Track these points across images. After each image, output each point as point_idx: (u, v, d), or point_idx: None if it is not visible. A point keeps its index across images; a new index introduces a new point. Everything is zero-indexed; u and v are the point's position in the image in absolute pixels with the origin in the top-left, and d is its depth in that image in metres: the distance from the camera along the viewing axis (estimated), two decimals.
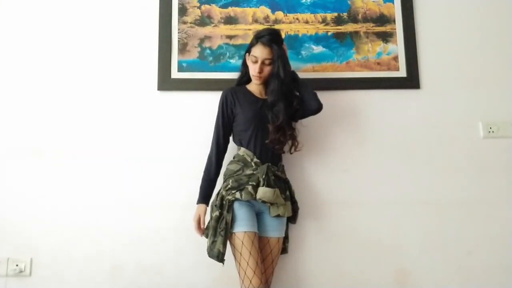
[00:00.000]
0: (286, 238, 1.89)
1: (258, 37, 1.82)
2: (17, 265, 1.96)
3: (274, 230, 1.79)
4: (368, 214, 2.05)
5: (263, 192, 1.71)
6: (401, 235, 2.05)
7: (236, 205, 1.74)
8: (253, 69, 1.84)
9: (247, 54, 1.89)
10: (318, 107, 1.86)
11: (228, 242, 1.71)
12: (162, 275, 1.97)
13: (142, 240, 2.00)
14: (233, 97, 1.86)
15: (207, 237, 1.75)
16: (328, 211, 2.05)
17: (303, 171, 2.06)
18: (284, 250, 1.88)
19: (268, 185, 1.73)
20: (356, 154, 2.10)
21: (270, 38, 1.81)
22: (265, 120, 1.82)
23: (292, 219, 1.88)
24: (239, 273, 1.68)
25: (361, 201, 2.06)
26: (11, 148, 2.05)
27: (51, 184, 2.03)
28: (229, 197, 1.73)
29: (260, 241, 1.77)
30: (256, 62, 1.82)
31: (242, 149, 1.82)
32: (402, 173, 2.09)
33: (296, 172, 2.03)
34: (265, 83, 1.88)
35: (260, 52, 1.81)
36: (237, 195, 1.72)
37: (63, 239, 1.99)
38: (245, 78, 1.95)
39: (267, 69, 1.83)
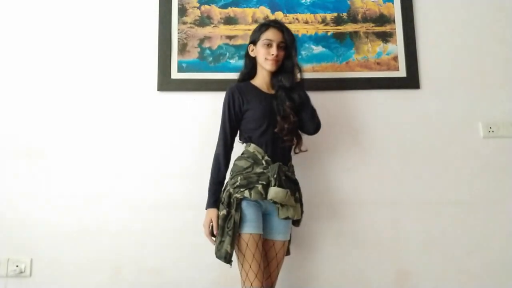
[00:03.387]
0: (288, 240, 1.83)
1: (269, 23, 1.79)
2: (17, 266, 1.96)
3: (280, 233, 1.73)
4: (368, 214, 2.05)
5: (275, 192, 1.63)
6: (401, 235, 2.05)
7: (244, 204, 1.66)
8: (267, 53, 1.75)
9: (252, 44, 1.82)
10: (314, 130, 1.83)
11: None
12: (162, 275, 1.98)
13: (142, 240, 2.00)
14: (241, 95, 1.76)
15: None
16: (328, 211, 2.05)
17: (303, 171, 2.05)
18: (286, 251, 1.83)
19: (279, 186, 1.64)
20: (356, 154, 2.10)
21: (282, 24, 1.81)
22: (275, 118, 1.74)
23: (296, 222, 1.81)
24: (240, 273, 1.64)
25: (361, 201, 2.06)
26: (11, 148, 2.05)
27: (51, 184, 2.03)
28: (237, 195, 1.65)
29: (265, 244, 1.72)
30: (270, 45, 1.75)
31: (253, 145, 1.73)
32: (402, 173, 2.09)
33: (296, 172, 2.02)
34: (274, 74, 1.81)
35: (274, 35, 1.75)
36: (246, 193, 1.64)
37: (63, 239, 1.99)
38: (250, 72, 1.86)
39: (281, 54, 1.77)
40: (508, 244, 2.05)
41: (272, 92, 1.82)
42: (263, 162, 1.71)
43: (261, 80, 1.84)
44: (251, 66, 1.86)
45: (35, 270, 1.97)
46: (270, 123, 1.74)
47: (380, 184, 2.08)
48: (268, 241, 1.73)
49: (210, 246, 1.72)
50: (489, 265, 2.03)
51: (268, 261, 1.73)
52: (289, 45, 1.77)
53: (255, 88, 1.81)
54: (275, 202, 1.66)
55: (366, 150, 2.11)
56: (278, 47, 1.76)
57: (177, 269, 1.98)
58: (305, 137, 2.01)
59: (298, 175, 1.99)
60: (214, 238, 1.70)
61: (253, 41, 1.81)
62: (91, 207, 2.02)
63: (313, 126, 1.83)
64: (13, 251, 1.98)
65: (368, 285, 2.00)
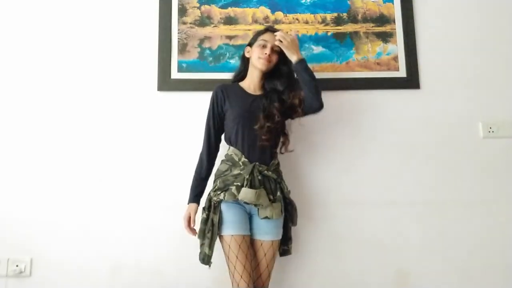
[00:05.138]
0: (289, 240, 1.84)
1: (267, 28, 1.89)
2: (17, 265, 1.96)
3: (267, 233, 1.74)
4: (368, 214, 2.05)
5: (244, 193, 1.66)
6: (401, 235, 2.05)
7: (223, 206, 1.71)
8: (261, 52, 1.80)
9: (248, 46, 1.88)
10: (319, 106, 1.80)
11: (218, 244, 1.70)
12: (162, 275, 1.98)
13: (142, 240, 2.00)
14: (223, 94, 1.82)
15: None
16: (328, 211, 2.05)
17: (302, 171, 2.06)
18: (287, 251, 1.84)
19: (252, 186, 1.68)
20: (356, 154, 2.10)
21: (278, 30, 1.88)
22: (254, 117, 1.76)
23: (290, 221, 1.83)
24: (229, 275, 1.68)
25: (361, 201, 2.06)
26: (11, 147, 2.05)
27: (51, 184, 2.03)
28: (215, 198, 1.71)
29: (253, 244, 1.75)
30: (265, 46, 1.81)
31: (231, 148, 1.78)
32: (402, 173, 2.09)
33: (296, 172, 2.02)
34: (264, 77, 1.86)
35: (270, 37, 1.82)
36: (221, 196, 1.70)
37: (63, 239, 1.99)
38: (242, 73, 1.92)
39: (275, 57, 1.82)
40: (508, 244, 2.05)
41: (259, 93, 1.85)
42: (240, 163, 1.74)
43: (249, 81, 1.88)
44: (243, 67, 1.92)
45: (35, 270, 1.97)
46: (247, 123, 1.76)
47: (380, 184, 2.08)
48: (256, 241, 1.75)
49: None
50: (489, 265, 2.03)
51: (258, 261, 1.74)
52: (282, 52, 1.82)
53: (240, 89, 1.86)
54: (246, 203, 1.69)
55: (366, 150, 2.11)
56: (272, 49, 1.81)
57: (177, 269, 1.98)
58: (304, 136, 2.02)
59: (298, 175, 1.99)
60: (193, 232, 1.79)
61: (250, 44, 1.89)
62: (91, 207, 2.02)
63: (317, 101, 1.78)
64: (13, 251, 1.98)
65: (368, 285, 2.00)
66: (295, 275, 2.00)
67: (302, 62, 1.78)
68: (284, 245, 1.83)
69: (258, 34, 1.86)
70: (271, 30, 1.86)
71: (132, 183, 2.04)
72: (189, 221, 1.78)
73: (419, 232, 2.05)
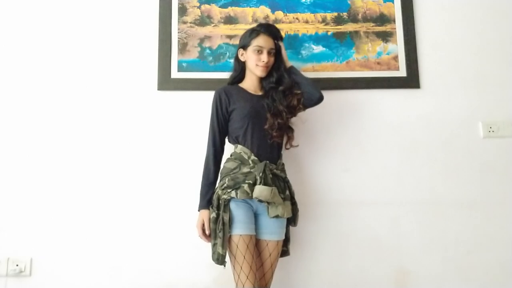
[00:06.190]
0: (287, 240, 1.84)
1: (260, 29, 1.82)
2: (17, 265, 1.96)
3: (273, 233, 1.74)
4: (368, 214, 2.05)
5: (260, 190, 1.64)
6: (401, 235, 2.05)
7: (232, 205, 1.69)
8: (258, 59, 1.79)
9: (242, 49, 1.85)
10: (319, 96, 1.83)
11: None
12: (162, 275, 1.98)
13: (142, 240, 2.00)
14: (227, 96, 1.81)
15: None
16: (328, 211, 2.05)
17: (302, 171, 2.06)
18: (286, 252, 1.84)
19: (265, 184, 1.67)
20: (356, 154, 2.10)
21: (273, 30, 1.86)
22: (261, 116, 1.77)
23: (292, 221, 1.82)
24: (234, 275, 1.66)
25: (361, 201, 2.06)
26: (11, 147, 2.05)
27: (51, 183, 2.03)
28: (225, 196, 1.68)
29: (258, 244, 1.74)
30: (261, 52, 1.79)
31: (239, 146, 1.77)
32: (402, 173, 2.09)
33: (296, 172, 2.02)
34: (263, 77, 1.86)
35: (265, 42, 1.80)
36: (233, 194, 1.67)
37: (63, 239, 1.99)
38: (239, 76, 1.91)
39: (271, 60, 1.82)
40: (508, 244, 2.05)
41: (260, 93, 1.86)
42: (250, 161, 1.73)
43: (249, 83, 1.88)
44: (240, 69, 1.90)
45: (35, 269, 1.97)
46: (256, 122, 1.77)
47: (380, 184, 2.08)
48: (261, 241, 1.74)
49: (210, 246, 1.73)
50: (489, 265, 2.03)
51: (262, 261, 1.74)
52: (277, 51, 1.85)
53: (242, 90, 1.86)
54: (260, 201, 1.67)
55: (366, 150, 2.11)
56: (268, 53, 1.80)
57: (177, 269, 1.98)
58: (303, 136, 2.02)
59: (298, 175, 1.99)
60: (206, 238, 1.75)
61: (243, 46, 1.85)
62: (90, 207, 2.02)
63: (317, 92, 1.83)
64: (13, 251, 1.98)
65: (368, 285, 2.00)
66: (295, 274, 2.00)
67: (293, 67, 1.89)
68: (283, 246, 1.82)
69: (251, 37, 1.82)
70: (264, 32, 1.81)
71: (132, 182, 2.04)
72: (204, 229, 1.74)
73: (419, 232, 2.05)
